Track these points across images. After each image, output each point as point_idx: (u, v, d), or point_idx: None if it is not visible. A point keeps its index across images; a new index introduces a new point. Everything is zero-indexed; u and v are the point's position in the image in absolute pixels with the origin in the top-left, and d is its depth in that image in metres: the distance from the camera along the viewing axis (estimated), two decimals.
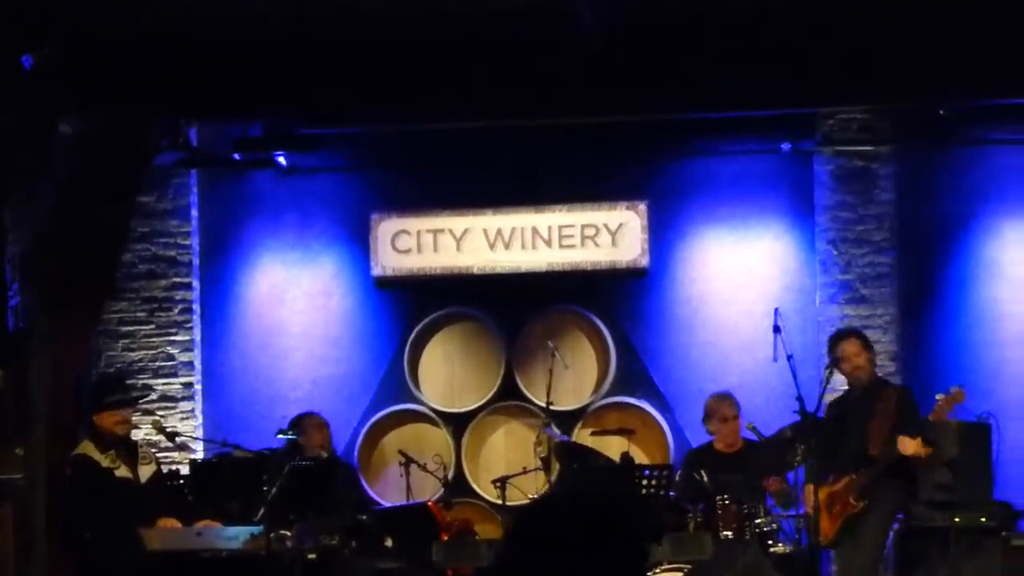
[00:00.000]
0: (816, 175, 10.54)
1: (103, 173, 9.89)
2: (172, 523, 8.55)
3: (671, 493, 8.90)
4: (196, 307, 10.70)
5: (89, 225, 9.87)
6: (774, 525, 8.59)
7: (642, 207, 10.83)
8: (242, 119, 10.41)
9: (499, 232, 10.90)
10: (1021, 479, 8.77)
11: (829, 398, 9.01)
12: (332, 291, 11.15)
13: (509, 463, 10.33)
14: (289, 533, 7.96)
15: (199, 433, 10.53)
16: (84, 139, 9.65)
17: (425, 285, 11.03)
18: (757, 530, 8.45)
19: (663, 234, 10.86)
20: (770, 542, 8.44)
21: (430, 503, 9.18)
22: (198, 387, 10.66)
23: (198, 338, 10.71)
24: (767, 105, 10.31)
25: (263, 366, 11.01)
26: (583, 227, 10.88)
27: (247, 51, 9.50)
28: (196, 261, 10.73)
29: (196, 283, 10.72)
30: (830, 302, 10.42)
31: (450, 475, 10.39)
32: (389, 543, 8.63)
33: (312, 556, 7.98)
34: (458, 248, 10.94)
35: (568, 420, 10.66)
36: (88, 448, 8.67)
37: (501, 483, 9.47)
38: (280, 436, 9.12)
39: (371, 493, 10.48)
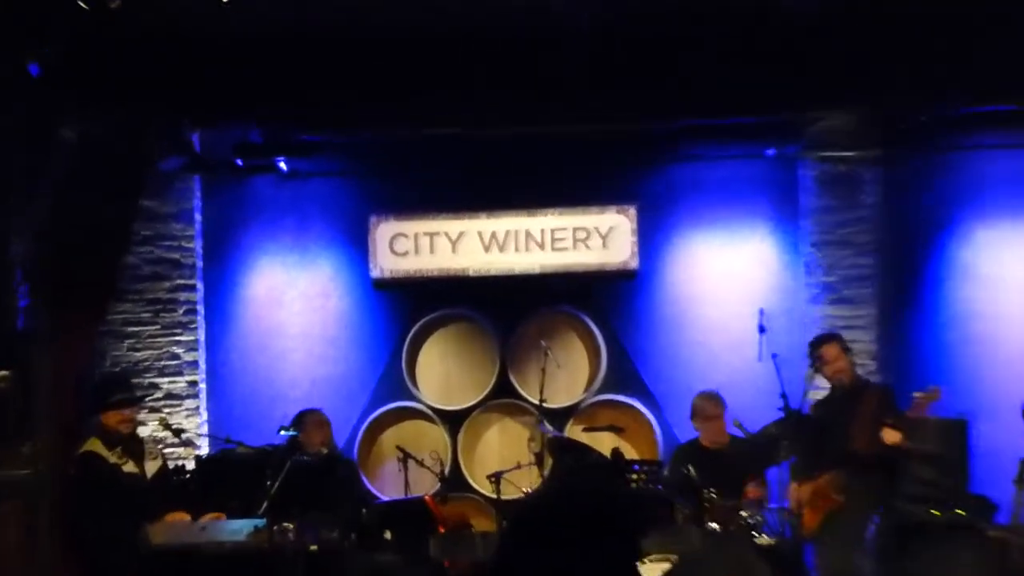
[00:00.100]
0: (800, 180, 10.55)
1: (104, 176, 9.90)
2: (181, 516, 8.57)
3: (660, 487, 8.91)
4: (200, 308, 10.68)
5: (90, 227, 9.88)
6: (759, 518, 8.59)
7: (632, 211, 10.84)
8: (242, 124, 10.42)
9: (493, 235, 10.91)
10: (996, 473, 8.77)
11: (815, 395, 9.06)
12: (331, 292, 11.15)
13: (503, 459, 10.32)
14: (291, 526, 7.95)
15: (204, 430, 10.53)
16: (85, 142, 9.65)
17: (422, 286, 11.03)
18: (743, 523, 8.45)
19: (652, 237, 10.87)
20: (755, 534, 8.44)
21: (427, 497, 9.17)
22: (202, 385, 10.64)
23: (202, 338, 10.69)
24: (752, 112, 10.32)
25: (264, 365, 11.00)
26: (575, 230, 10.89)
27: (247, 57, 9.52)
28: (199, 263, 10.71)
29: (200, 285, 10.70)
30: (814, 302, 10.44)
31: (446, 470, 10.37)
32: (388, 536, 8.62)
33: (313, 548, 7.97)
34: (454, 251, 10.94)
35: (560, 417, 10.67)
36: (96, 445, 8.67)
37: (496, 478, 9.46)
38: (282, 432, 9.11)
39: (370, 487, 10.49)
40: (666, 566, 7.70)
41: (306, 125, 10.40)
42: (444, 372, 11.03)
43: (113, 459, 8.67)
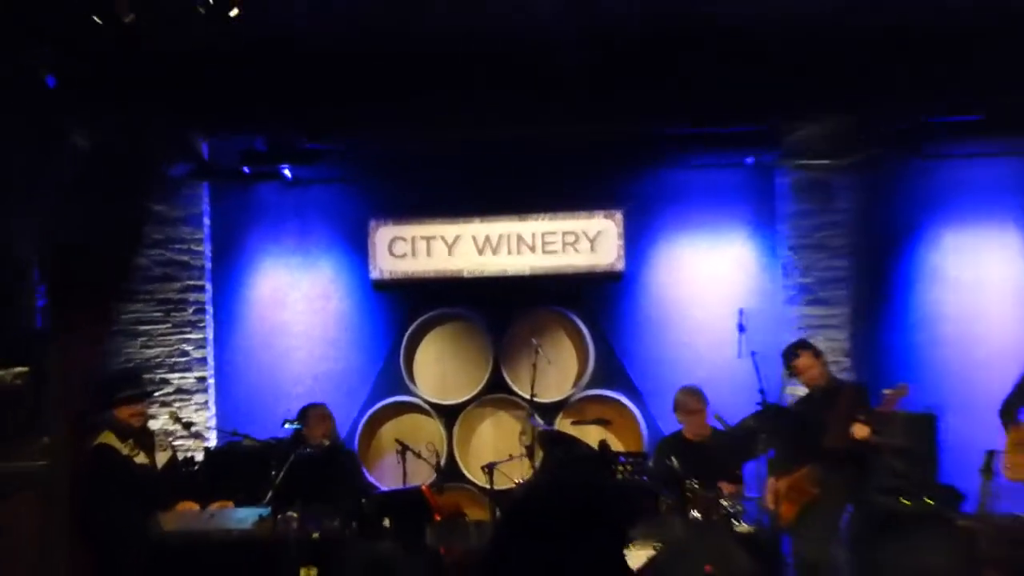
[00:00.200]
0: (778, 187, 10.54)
1: (115, 182, 9.89)
2: (190, 505, 8.56)
3: (645, 478, 8.89)
4: (208, 307, 10.66)
5: (102, 231, 9.87)
6: (739, 507, 8.58)
7: (618, 216, 10.83)
8: (248, 133, 10.41)
9: (487, 238, 10.90)
10: (963, 465, 8.77)
11: (792, 391, 9.11)
12: (332, 293, 11.14)
13: (496, 450, 10.33)
14: (295, 515, 7.94)
15: (212, 423, 10.50)
16: (97, 150, 9.63)
17: (419, 287, 11.01)
18: (723, 512, 8.44)
19: (637, 241, 10.87)
20: (735, 523, 8.43)
21: (424, 487, 9.15)
22: (211, 381, 10.62)
23: (210, 336, 10.66)
24: (732, 122, 10.34)
25: (269, 362, 10.99)
26: (564, 234, 10.88)
27: (253, 69, 9.51)
28: (208, 265, 10.69)
29: (208, 285, 10.68)
30: (790, 303, 10.43)
31: (442, 461, 10.37)
32: (387, 524, 8.60)
33: (316, 536, 7.95)
34: (450, 253, 10.93)
35: (550, 411, 10.67)
36: (109, 438, 8.68)
37: (489, 469, 9.44)
38: (286, 426, 9.11)
39: (370, 478, 10.47)
40: (650, 553, 7.71)
41: (309, 134, 10.39)
42: (440, 368, 11.01)
43: (126, 451, 8.68)
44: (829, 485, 8.64)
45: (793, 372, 9.00)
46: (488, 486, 9.48)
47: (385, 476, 10.57)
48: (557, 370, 10.77)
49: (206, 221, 10.68)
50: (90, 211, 9.65)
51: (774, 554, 8.47)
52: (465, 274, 10.95)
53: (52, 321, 8.83)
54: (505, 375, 10.81)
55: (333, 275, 11.13)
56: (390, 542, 8.38)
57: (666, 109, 9.96)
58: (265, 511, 8.08)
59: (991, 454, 8.37)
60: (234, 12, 7.62)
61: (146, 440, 8.91)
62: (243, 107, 9.89)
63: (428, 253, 10.95)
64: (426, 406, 10.85)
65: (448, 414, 10.88)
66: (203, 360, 10.54)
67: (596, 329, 10.86)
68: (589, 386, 10.79)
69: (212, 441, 10.30)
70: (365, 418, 10.80)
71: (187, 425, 9.57)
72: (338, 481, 8.89)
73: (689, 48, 9.42)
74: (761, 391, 8.57)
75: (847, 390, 9.00)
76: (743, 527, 8.41)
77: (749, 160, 10.66)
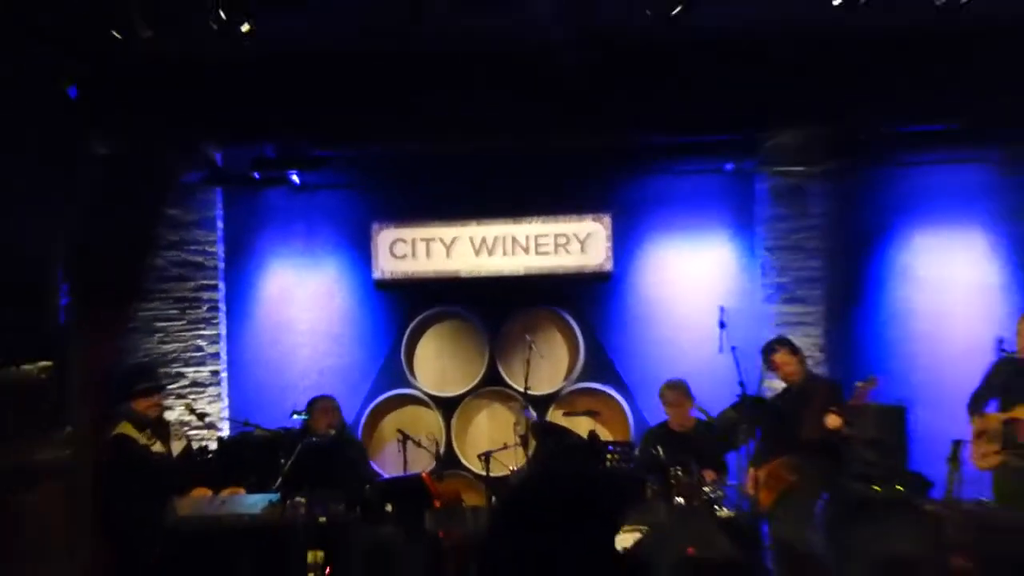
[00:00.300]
0: (756, 192, 10.55)
1: (132, 188, 9.90)
2: (204, 491, 8.56)
3: (632, 466, 8.91)
4: (221, 305, 10.65)
5: (120, 234, 9.87)
6: (720, 493, 8.60)
7: (607, 219, 10.84)
8: (258, 141, 10.43)
9: (483, 240, 10.90)
10: (931, 454, 8.77)
11: (770, 384, 9.13)
12: (336, 292, 11.13)
13: (492, 440, 10.34)
14: (302, 501, 7.94)
15: (225, 414, 10.50)
16: (116, 158, 9.63)
17: (419, 287, 11.01)
18: (705, 498, 8.45)
19: (625, 243, 10.88)
20: (716, 508, 8.45)
21: (424, 475, 9.16)
22: (223, 374, 10.60)
23: (223, 332, 10.65)
24: (713, 131, 10.35)
25: (277, 357, 10.99)
26: (556, 236, 10.89)
27: (263, 82, 9.52)
28: (221, 265, 10.67)
29: (221, 284, 10.67)
30: (768, 301, 10.44)
31: (441, 451, 10.38)
32: (389, 510, 8.60)
33: (322, 520, 7.95)
34: (448, 254, 10.93)
35: (543, 403, 10.68)
36: (127, 428, 8.68)
37: (485, 457, 9.45)
38: (294, 416, 9.13)
39: (373, 466, 10.47)
40: (636, 536, 7.71)
41: (316, 142, 10.39)
42: (439, 363, 11.02)
43: (143, 440, 8.68)
44: (805, 473, 8.65)
45: (771, 367, 9.05)
46: (484, 473, 9.50)
47: (387, 464, 10.58)
48: (549, 364, 10.78)
49: (219, 224, 10.67)
50: (110, 215, 9.66)
51: (753, 538, 8.48)
52: (462, 274, 10.95)
53: (75, 318, 8.83)
54: (500, 369, 10.82)
55: (337, 275, 11.12)
56: (392, 526, 8.37)
57: (651, 120, 9.97)
58: (274, 497, 8.09)
59: (957, 443, 8.36)
60: (245, 27, 7.62)
61: (162, 430, 8.91)
62: (254, 117, 9.89)
63: (427, 254, 10.95)
64: (426, 398, 10.85)
65: (446, 406, 10.89)
66: (216, 355, 10.54)
67: (586, 326, 10.87)
68: (579, 379, 10.80)
69: (225, 431, 10.30)
70: (368, 410, 10.81)
71: (201, 416, 9.57)
72: (343, 469, 8.89)
73: (673, 63, 9.45)
74: (741, 384, 8.61)
75: (822, 385, 9.02)
76: (724, 512, 8.42)
77: (729, 167, 10.68)
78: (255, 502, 8.15)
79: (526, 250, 10.89)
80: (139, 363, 10.26)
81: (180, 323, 10.48)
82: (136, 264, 10.32)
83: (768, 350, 9.08)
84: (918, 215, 10.53)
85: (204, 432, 9.90)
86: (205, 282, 10.53)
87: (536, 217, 10.89)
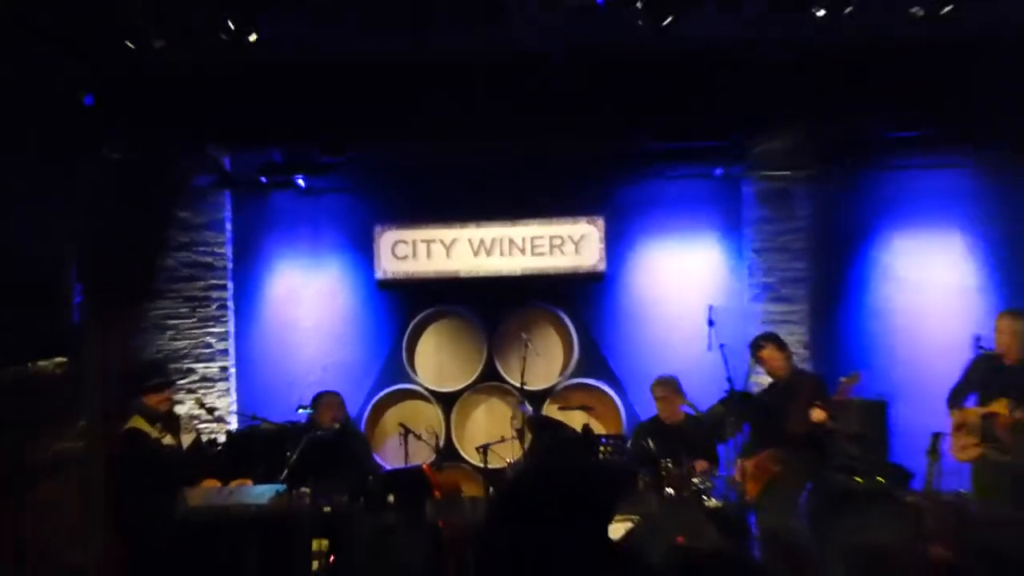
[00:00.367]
0: (744, 195, 10.57)
1: (144, 191, 9.89)
2: (213, 483, 8.56)
3: (624, 458, 8.91)
4: (230, 304, 10.67)
5: (131, 235, 9.86)
6: (708, 484, 8.60)
7: (600, 221, 10.85)
8: (266, 147, 10.44)
9: (482, 242, 10.91)
10: (911, 447, 8.79)
11: (758, 379, 9.13)
12: (340, 291, 11.13)
13: (490, 433, 10.33)
14: (308, 491, 7.94)
15: (233, 408, 10.51)
16: (127, 162, 9.63)
17: (419, 287, 11.02)
18: (694, 488, 8.46)
19: (618, 244, 10.88)
20: (705, 498, 8.46)
21: (425, 466, 9.16)
22: (232, 370, 10.62)
23: (232, 329, 10.67)
24: (703, 138, 10.36)
25: (283, 354, 10.98)
26: (551, 238, 10.90)
27: (272, 89, 9.52)
28: (229, 266, 10.69)
29: (230, 284, 10.68)
30: (755, 300, 10.46)
31: (441, 443, 10.38)
32: (391, 500, 8.60)
33: (327, 510, 7.96)
34: (447, 255, 10.94)
35: (539, 398, 10.69)
36: (139, 422, 8.67)
37: (483, 450, 9.47)
38: (300, 411, 9.13)
39: (375, 458, 10.47)
40: (628, 527, 7.72)
41: (322, 148, 10.39)
42: (439, 359, 11.02)
43: (154, 433, 8.67)
44: (790, 465, 8.67)
45: (759, 362, 9.05)
46: (482, 465, 9.51)
47: (389, 456, 10.58)
48: (545, 361, 10.79)
49: (228, 226, 10.68)
50: (123, 218, 9.66)
51: (740, 527, 8.49)
52: (462, 274, 10.96)
53: (89, 316, 8.83)
54: (498, 365, 10.82)
55: (341, 275, 11.13)
56: (394, 516, 8.38)
57: (643, 127, 9.96)
58: (281, 488, 8.09)
59: (937, 436, 8.38)
60: (253, 37, 7.63)
61: (172, 424, 8.90)
62: (262, 123, 9.89)
63: (428, 255, 10.95)
64: (426, 393, 10.86)
65: (446, 400, 10.89)
66: (225, 351, 10.55)
67: (580, 324, 10.88)
68: (574, 375, 10.81)
69: (233, 424, 10.31)
70: (370, 404, 10.81)
71: (211, 410, 9.59)
72: (347, 461, 8.89)
73: (664, 72, 9.45)
74: (729, 380, 8.61)
75: (807, 381, 9.02)
76: (712, 502, 8.43)
77: (718, 172, 10.68)
78: (262, 493, 8.15)
79: (523, 251, 10.90)
80: (151, 359, 10.27)
81: (190, 321, 10.48)
82: (148, 264, 10.33)
83: (755, 346, 9.09)
84: (899, 218, 10.54)
85: (213, 426, 9.91)
86: (214, 282, 10.54)
87: (533, 219, 10.90)
